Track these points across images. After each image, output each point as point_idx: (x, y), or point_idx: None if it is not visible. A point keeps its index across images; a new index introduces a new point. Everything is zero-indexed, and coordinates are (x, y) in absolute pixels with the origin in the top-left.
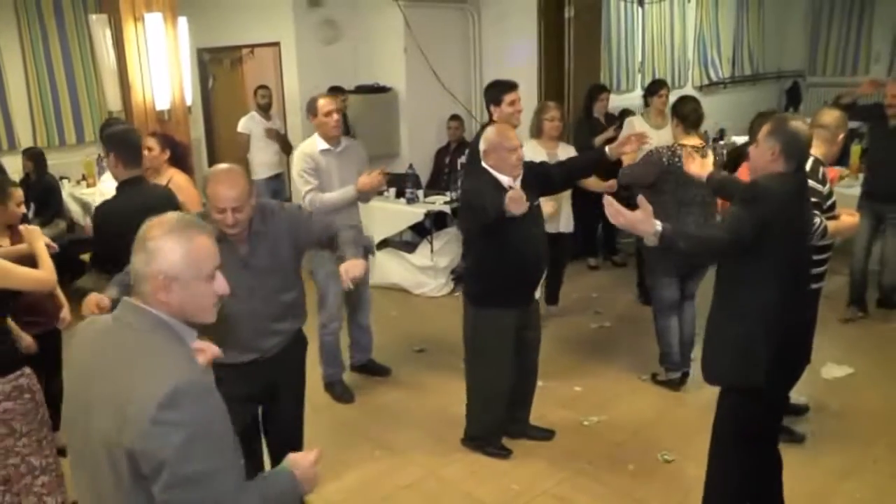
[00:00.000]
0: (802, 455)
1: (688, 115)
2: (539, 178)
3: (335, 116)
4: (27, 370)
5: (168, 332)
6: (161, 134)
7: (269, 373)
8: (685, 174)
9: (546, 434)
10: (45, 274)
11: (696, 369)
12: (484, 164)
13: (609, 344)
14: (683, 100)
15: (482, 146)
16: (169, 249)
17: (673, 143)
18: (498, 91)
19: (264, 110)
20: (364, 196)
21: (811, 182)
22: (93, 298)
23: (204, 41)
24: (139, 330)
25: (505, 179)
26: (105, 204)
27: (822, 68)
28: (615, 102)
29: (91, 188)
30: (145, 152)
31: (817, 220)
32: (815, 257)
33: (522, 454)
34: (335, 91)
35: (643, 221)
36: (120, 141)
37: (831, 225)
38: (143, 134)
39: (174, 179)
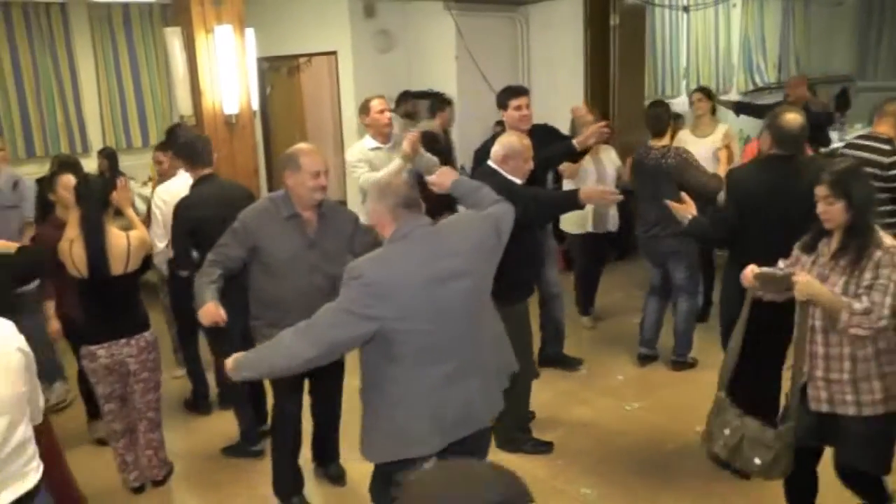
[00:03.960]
0: None
1: (649, 124)
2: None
3: (387, 115)
4: None
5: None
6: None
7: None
8: (646, 169)
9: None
10: (145, 233)
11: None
12: (494, 165)
13: None
14: (649, 106)
15: (502, 150)
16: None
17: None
18: (505, 96)
19: (411, 118)
20: (417, 162)
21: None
22: (211, 311)
23: (263, 50)
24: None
25: (518, 181)
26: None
27: (872, 73)
28: None
29: None
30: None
31: None
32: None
33: (568, 434)
34: (406, 97)
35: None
36: None
37: None
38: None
39: None
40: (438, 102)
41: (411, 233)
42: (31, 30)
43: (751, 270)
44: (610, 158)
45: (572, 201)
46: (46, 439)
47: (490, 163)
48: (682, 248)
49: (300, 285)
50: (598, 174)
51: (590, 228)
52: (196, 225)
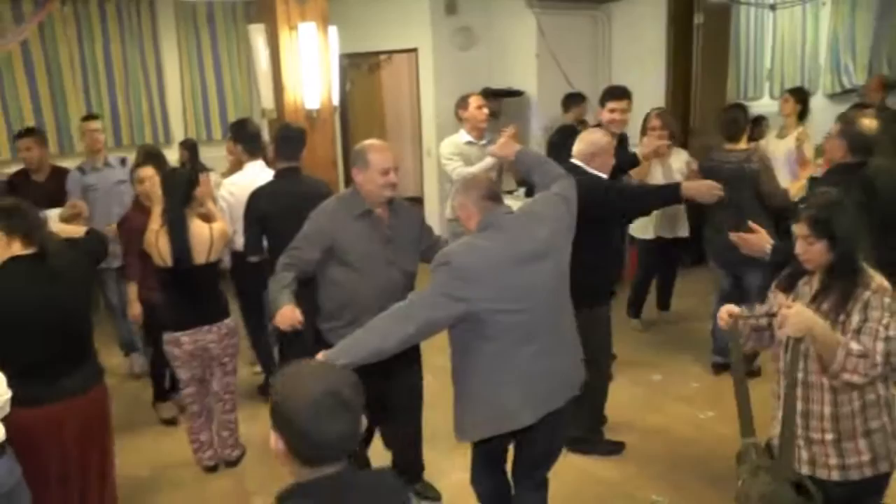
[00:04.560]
0: None
1: (723, 127)
2: None
3: (485, 111)
4: None
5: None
6: None
7: (383, 376)
8: (717, 176)
9: None
10: (225, 225)
11: None
12: (578, 162)
13: None
14: (724, 110)
15: (589, 148)
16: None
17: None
18: (606, 96)
19: (495, 117)
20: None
21: None
22: (288, 314)
23: (344, 47)
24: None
25: (604, 176)
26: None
27: None
28: None
29: None
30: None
31: None
32: None
33: (641, 440)
34: (487, 94)
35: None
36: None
37: None
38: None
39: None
40: (573, 97)
41: (494, 221)
42: (123, 25)
43: (727, 311)
44: (680, 161)
45: (672, 194)
46: (101, 423)
47: (574, 160)
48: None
49: (379, 281)
50: (665, 178)
51: (659, 233)
52: (264, 216)
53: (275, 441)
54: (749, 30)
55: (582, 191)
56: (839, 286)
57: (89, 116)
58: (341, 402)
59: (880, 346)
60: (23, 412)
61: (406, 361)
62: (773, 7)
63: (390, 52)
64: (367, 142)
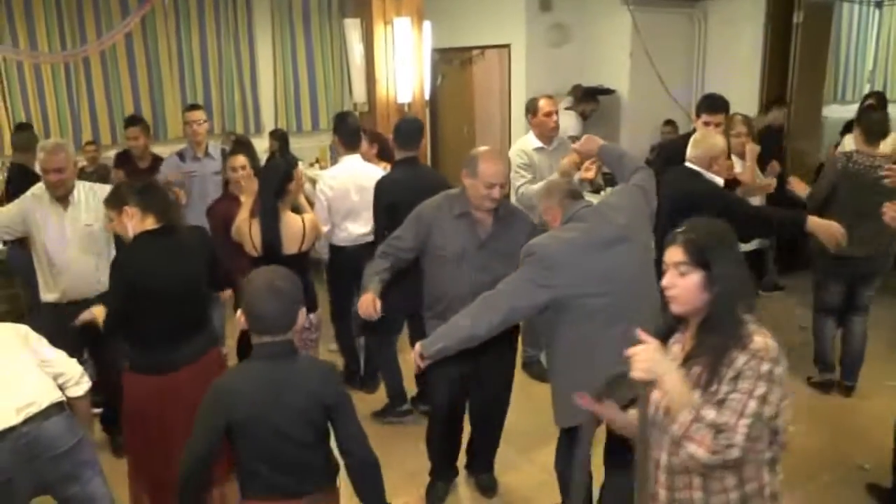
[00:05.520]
0: None
1: (865, 127)
2: None
3: (554, 117)
4: None
5: None
6: (370, 131)
7: (479, 352)
8: (862, 181)
9: None
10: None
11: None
12: (696, 167)
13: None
14: (867, 109)
15: (708, 153)
16: None
17: (851, 150)
18: (702, 107)
19: (584, 118)
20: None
21: None
22: (366, 303)
23: (437, 42)
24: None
25: (720, 181)
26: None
27: None
28: (840, 113)
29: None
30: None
31: None
32: None
33: None
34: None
35: None
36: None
37: None
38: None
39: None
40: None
41: (574, 214)
42: (219, 19)
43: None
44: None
45: (796, 225)
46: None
47: (691, 165)
48: (881, 267)
49: (469, 281)
50: None
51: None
52: (392, 203)
53: (239, 315)
54: (851, 28)
55: (699, 198)
56: (711, 344)
57: (193, 107)
58: (273, 289)
59: (744, 422)
60: (146, 379)
61: (501, 338)
62: (879, 4)
63: (483, 48)
64: (483, 149)
